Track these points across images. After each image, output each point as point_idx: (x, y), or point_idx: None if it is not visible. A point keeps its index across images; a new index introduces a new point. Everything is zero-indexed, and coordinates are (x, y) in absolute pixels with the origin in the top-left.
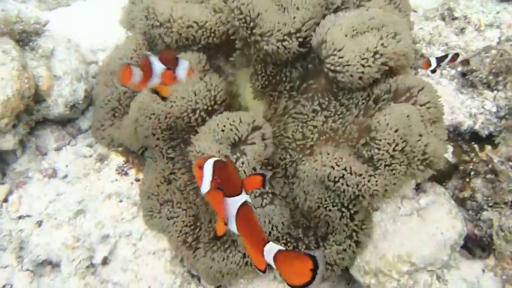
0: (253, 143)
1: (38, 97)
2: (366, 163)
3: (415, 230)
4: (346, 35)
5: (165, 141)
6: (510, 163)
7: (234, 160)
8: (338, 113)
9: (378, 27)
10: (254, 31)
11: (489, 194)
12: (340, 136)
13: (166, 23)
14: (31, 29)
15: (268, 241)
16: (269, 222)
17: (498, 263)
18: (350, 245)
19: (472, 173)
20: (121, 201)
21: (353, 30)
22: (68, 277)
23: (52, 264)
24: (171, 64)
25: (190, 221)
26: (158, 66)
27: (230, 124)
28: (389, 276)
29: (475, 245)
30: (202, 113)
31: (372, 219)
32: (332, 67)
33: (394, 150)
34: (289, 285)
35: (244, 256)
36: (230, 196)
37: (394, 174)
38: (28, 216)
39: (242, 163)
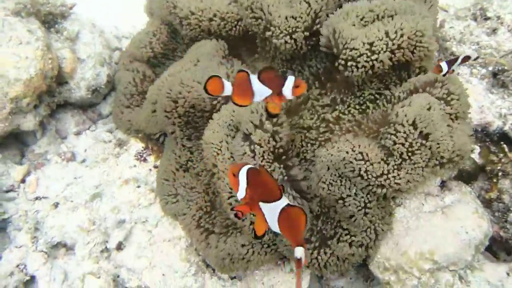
0: (266, 131)
1: (60, 79)
2: (386, 155)
3: (439, 227)
4: (354, 25)
5: (181, 127)
6: None
7: (244, 151)
8: (357, 105)
9: (392, 14)
10: (266, 27)
11: None
12: (359, 128)
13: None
14: (58, 11)
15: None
16: None
17: None
18: (365, 237)
19: (500, 173)
20: (138, 186)
21: (362, 19)
22: (82, 260)
23: (67, 247)
24: (275, 84)
25: (206, 206)
26: (258, 87)
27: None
28: (410, 273)
29: (501, 248)
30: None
31: (392, 214)
32: (343, 61)
33: (413, 143)
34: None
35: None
36: (268, 202)
37: (415, 167)
38: (45, 197)
39: (253, 151)
